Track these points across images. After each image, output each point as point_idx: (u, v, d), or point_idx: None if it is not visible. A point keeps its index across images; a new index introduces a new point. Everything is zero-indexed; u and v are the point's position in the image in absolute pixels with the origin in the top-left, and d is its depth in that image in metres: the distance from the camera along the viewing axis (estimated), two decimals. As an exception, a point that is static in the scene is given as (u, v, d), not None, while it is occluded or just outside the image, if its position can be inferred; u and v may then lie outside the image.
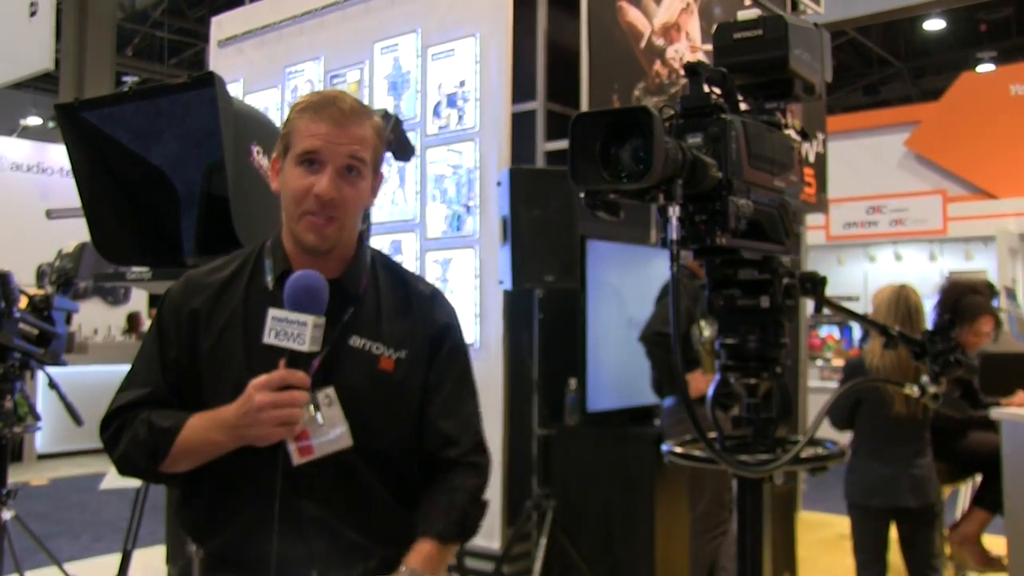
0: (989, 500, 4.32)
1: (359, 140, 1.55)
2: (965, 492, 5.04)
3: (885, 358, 3.52)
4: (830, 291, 1.54)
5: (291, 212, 1.56)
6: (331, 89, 1.66)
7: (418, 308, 1.65)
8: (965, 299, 4.30)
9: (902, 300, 3.57)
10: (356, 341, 1.58)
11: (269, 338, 1.44)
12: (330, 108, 1.54)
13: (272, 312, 1.45)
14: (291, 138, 1.56)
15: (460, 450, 1.64)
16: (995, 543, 4.40)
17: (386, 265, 1.70)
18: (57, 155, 11.19)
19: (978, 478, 4.63)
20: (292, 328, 1.43)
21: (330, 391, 1.51)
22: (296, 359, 1.44)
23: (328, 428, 1.50)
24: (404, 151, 2.52)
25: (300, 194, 1.53)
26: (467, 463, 1.64)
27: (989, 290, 6.25)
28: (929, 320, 3.88)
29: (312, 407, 1.49)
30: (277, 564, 1.50)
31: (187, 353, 1.59)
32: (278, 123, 4.12)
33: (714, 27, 1.49)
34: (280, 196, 1.60)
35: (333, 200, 1.52)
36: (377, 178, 1.63)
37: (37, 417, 3.59)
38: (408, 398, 1.61)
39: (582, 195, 1.27)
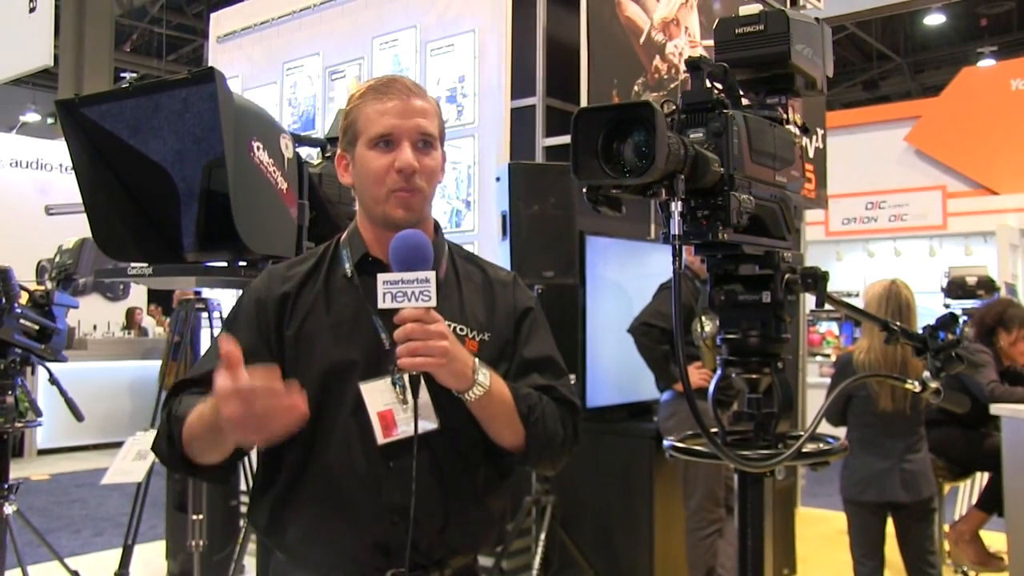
0: (989, 500, 4.32)
1: (425, 113, 1.57)
2: (964, 490, 5.04)
3: (872, 353, 3.48)
4: (828, 287, 1.54)
5: (376, 194, 1.56)
6: (385, 75, 1.65)
7: (500, 293, 1.66)
8: (1010, 310, 4.50)
9: (892, 295, 3.49)
10: None
11: (384, 303, 1.41)
12: (393, 88, 1.56)
13: (383, 277, 1.42)
14: (357, 126, 1.57)
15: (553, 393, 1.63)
16: (995, 539, 4.41)
17: (463, 254, 1.71)
18: (56, 151, 11.18)
19: (980, 477, 4.64)
20: (410, 288, 1.40)
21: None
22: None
23: (413, 410, 1.46)
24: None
25: (382, 173, 1.54)
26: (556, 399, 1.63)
27: (990, 285, 6.29)
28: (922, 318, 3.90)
29: (398, 388, 1.48)
30: (351, 551, 1.50)
31: (275, 337, 1.57)
32: (278, 118, 4.14)
33: (714, 22, 1.48)
34: (355, 187, 1.61)
35: (416, 170, 1.53)
36: (443, 156, 1.65)
37: (38, 412, 3.59)
38: None
39: (584, 190, 1.27)
